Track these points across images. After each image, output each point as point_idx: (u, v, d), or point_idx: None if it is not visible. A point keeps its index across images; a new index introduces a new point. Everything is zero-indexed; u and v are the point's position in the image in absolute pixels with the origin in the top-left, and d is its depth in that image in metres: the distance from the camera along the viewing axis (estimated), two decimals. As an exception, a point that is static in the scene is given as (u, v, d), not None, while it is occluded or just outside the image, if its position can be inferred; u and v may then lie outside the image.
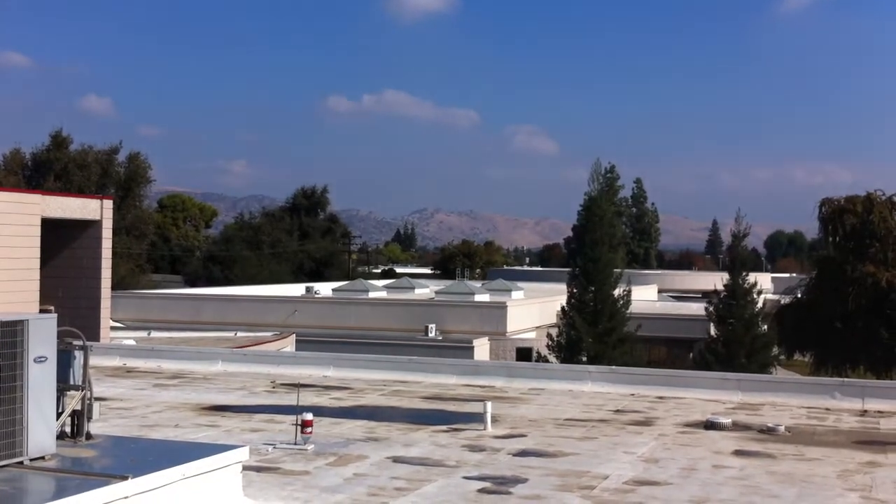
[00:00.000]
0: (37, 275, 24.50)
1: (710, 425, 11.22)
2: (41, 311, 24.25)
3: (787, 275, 74.85)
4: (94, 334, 25.46)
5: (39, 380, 6.64)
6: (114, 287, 46.08)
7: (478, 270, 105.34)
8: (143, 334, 33.13)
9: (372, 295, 51.42)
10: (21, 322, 6.60)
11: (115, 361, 17.86)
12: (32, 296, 23.74)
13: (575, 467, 8.81)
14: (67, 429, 7.52)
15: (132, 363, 17.76)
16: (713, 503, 7.61)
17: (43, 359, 6.69)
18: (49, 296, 25.29)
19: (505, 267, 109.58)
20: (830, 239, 44.23)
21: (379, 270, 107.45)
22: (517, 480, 8.21)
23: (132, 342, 23.87)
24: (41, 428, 6.67)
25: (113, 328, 35.44)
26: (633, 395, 13.99)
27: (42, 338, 6.72)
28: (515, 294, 50.97)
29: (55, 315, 7.14)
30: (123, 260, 64.32)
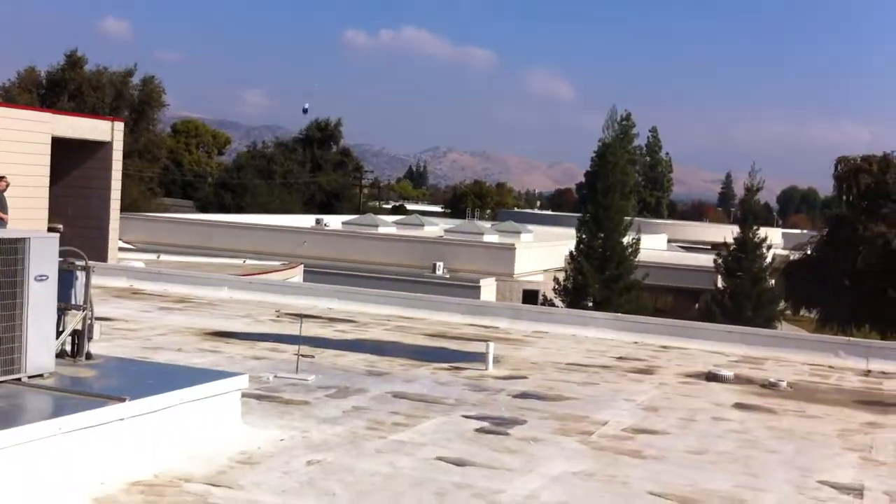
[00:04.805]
0: (46, 193, 24.47)
1: (711, 377, 11.18)
2: (50, 229, 24.40)
3: (798, 231, 74.55)
4: (102, 255, 25.53)
5: (39, 298, 6.58)
6: (125, 209, 46.38)
7: (488, 211, 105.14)
8: (153, 257, 33.18)
9: (381, 230, 51.43)
10: (22, 240, 6.52)
11: (123, 283, 17.86)
12: (41, 213, 23.75)
13: (574, 412, 8.79)
14: (68, 348, 7.50)
15: (139, 285, 17.76)
16: (710, 455, 7.58)
17: (43, 277, 6.62)
18: (58, 215, 25.31)
19: (516, 209, 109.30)
20: (844, 197, 44.17)
21: (390, 206, 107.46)
22: (515, 422, 8.19)
23: (140, 264, 23.89)
24: (40, 346, 6.64)
25: (123, 250, 35.64)
26: (636, 342, 13.96)
27: (43, 256, 6.64)
28: (525, 237, 50.90)
29: (57, 234, 7.06)
30: (135, 182, 64.28)
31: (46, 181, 24.47)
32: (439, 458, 6.86)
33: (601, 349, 13.16)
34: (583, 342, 13.80)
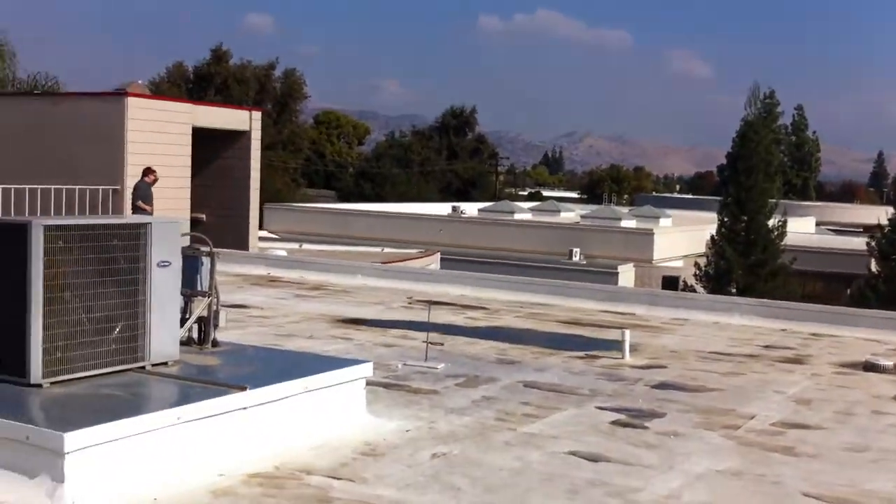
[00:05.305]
0: (188, 183, 25.06)
1: (869, 367, 10.38)
2: (193, 219, 25.03)
3: (958, 212, 70.26)
4: (243, 243, 26.03)
5: (162, 285, 6.48)
6: (270, 199, 47.55)
7: (625, 196, 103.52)
8: (295, 246, 33.79)
9: (518, 217, 51.08)
10: (143, 225, 6.43)
11: (261, 270, 18.08)
12: (184, 204, 24.32)
13: (718, 404, 8.24)
14: (195, 335, 7.43)
15: (276, 273, 17.94)
16: (871, 452, 6.94)
17: (166, 263, 6.52)
18: (201, 205, 25.94)
19: (654, 193, 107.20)
20: None
21: (526, 193, 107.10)
22: (654, 415, 7.71)
23: (283, 253, 24.28)
24: (164, 334, 6.54)
25: (267, 239, 36.48)
26: (784, 330, 13.17)
27: (165, 242, 6.52)
28: (663, 221, 49.67)
29: (179, 220, 6.97)
30: (279, 173, 65.88)
31: (188, 171, 25.03)
32: (571, 453, 6.47)
33: (746, 337, 12.46)
34: (726, 329, 13.11)
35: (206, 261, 7.40)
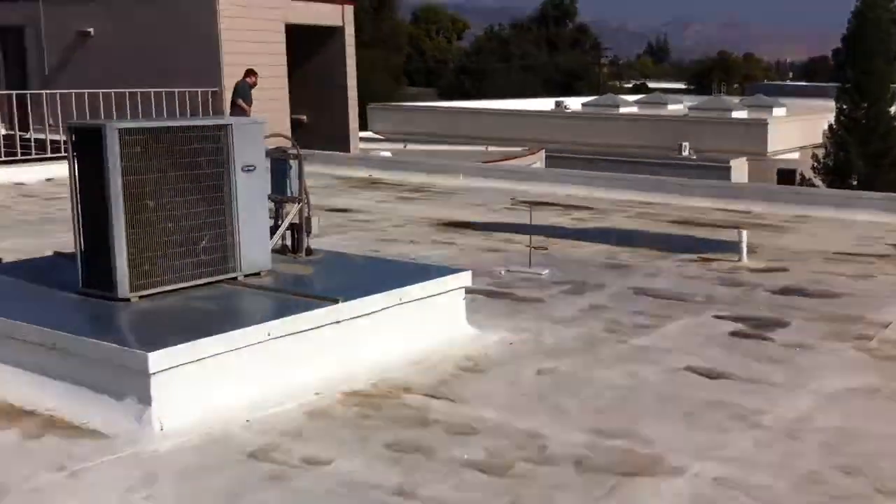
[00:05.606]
0: (286, 84, 24.71)
1: None
2: (294, 120, 24.70)
3: None
4: (344, 143, 25.74)
5: (248, 190, 6.12)
6: (372, 99, 46.95)
7: (735, 85, 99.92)
8: (399, 146, 33.50)
9: (623, 110, 49.67)
10: (224, 126, 6.02)
11: (362, 173, 17.82)
12: (283, 105, 24.04)
13: (847, 311, 7.59)
14: (288, 243, 7.15)
15: (378, 174, 17.65)
16: None
17: (251, 168, 6.14)
18: (301, 105, 25.63)
19: (766, 82, 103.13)
20: None
21: (630, 85, 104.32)
22: (777, 324, 7.13)
23: (387, 154, 23.97)
24: (254, 242, 6.23)
25: (372, 140, 36.22)
26: (917, 227, 12.26)
27: (248, 144, 6.11)
28: (777, 111, 47.54)
29: (264, 120, 6.53)
30: (380, 72, 65.48)
31: (284, 70, 24.62)
32: (688, 368, 5.98)
33: (876, 235, 11.61)
34: (852, 227, 12.27)
35: (294, 164, 7.02)
